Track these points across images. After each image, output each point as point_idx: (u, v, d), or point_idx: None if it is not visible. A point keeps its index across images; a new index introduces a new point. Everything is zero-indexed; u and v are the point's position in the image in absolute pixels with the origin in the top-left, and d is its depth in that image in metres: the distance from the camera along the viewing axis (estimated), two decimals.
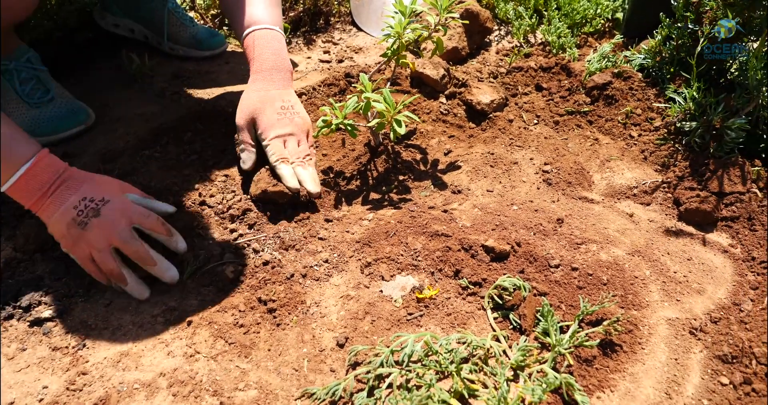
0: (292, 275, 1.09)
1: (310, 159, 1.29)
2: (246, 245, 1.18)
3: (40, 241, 1.21)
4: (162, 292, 1.11)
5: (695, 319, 1.01)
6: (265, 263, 1.13)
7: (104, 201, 1.00)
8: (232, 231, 1.22)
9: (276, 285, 1.08)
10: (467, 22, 1.64)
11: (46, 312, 1.07)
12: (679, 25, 1.40)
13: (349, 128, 1.25)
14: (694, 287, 1.07)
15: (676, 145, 1.31)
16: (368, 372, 0.88)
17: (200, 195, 1.30)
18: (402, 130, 1.17)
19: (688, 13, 1.37)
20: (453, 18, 1.24)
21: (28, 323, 1.05)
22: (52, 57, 1.63)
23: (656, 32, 1.49)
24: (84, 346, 1.00)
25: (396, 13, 1.30)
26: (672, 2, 1.41)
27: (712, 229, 1.19)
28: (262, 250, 1.16)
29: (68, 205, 0.99)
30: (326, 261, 1.11)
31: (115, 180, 1.08)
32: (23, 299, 1.10)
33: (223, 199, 1.29)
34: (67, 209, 0.99)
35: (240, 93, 1.62)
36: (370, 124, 1.22)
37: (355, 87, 1.59)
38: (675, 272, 1.09)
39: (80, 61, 1.72)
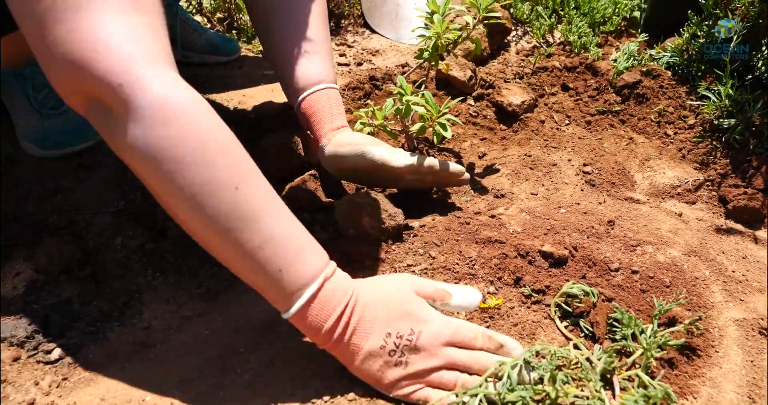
0: None
1: None
2: None
3: (64, 261, 1.13)
4: (204, 313, 1.06)
5: (762, 319, 0.99)
6: None
7: (416, 334, 0.78)
8: None
9: None
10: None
11: (80, 338, 1.00)
12: (707, 22, 1.40)
13: (389, 130, 1.21)
14: (755, 286, 1.05)
15: (714, 143, 1.30)
16: None
17: None
18: (448, 134, 1.14)
19: (718, 10, 1.36)
20: (496, 18, 1.20)
21: (61, 351, 0.99)
22: None
23: (683, 30, 1.48)
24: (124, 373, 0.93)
25: (429, 13, 1.26)
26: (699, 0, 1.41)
27: (761, 226, 1.18)
28: None
29: (370, 347, 0.77)
30: (377, 273, 1.07)
31: (404, 285, 0.83)
32: (53, 326, 1.03)
33: None
34: (372, 353, 0.77)
35: (260, 98, 1.57)
36: (413, 129, 1.18)
37: (380, 90, 1.55)
38: (733, 271, 1.07)
39: None
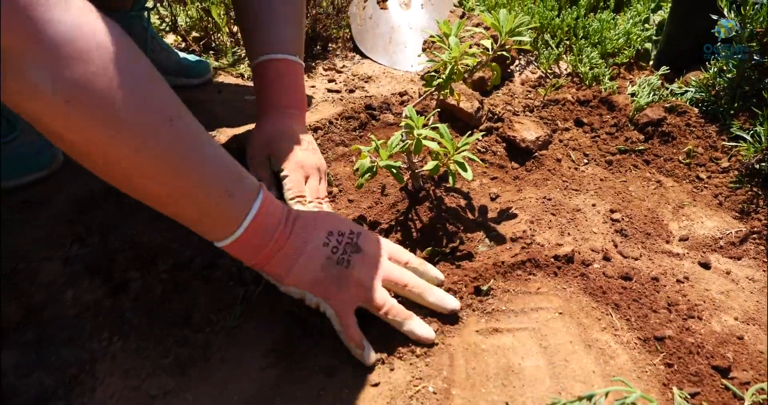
0: None
1: (329, 202, 1.13)
2: None
3: (1, 322, 0.93)
4: (172, 390, 0.86)
5: None
6: None
7: (355, 233, 0.84)
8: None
9: None
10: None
11: None
12: (738, 56, 1.28)
13: (395, 171, 1.04)
14: None
15: (755, 189, 1.17)
16: None
17: (206, 255, 1.06)
18: (469, 175, 0.97)
19: (753, 44, 1.25)
20: (522, 42, 1.06)
21: None
22: None
23: (708, 64, 1.37)
24: None
25: (439, 36, 1.12)
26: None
27: None
28: None
29: (314, 244, 0.81)
30: None
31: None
32: None
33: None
34: (315, 249, 0.81)
35: (240, 126, 1.40)
36: (425, 168, 1.02)
37: (377, 121, 1.38)
38: None
39: None
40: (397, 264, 0.88)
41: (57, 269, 1.04)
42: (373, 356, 0.82)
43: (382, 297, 0.83)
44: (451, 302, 0.89)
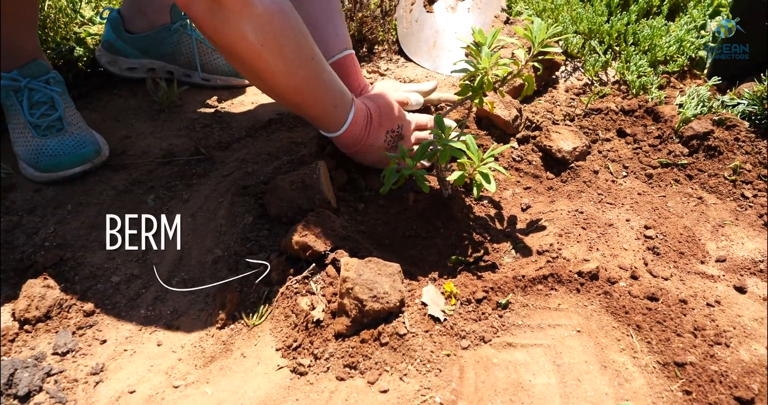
0: None
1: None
2: None
3: (47, 306, 1.00)
4: (197, 381, 0.90)
5: None
6: None
7: (400, 127, 1.22)
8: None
9: None
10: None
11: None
12: None
13: (420, 179, 1.05)
14: None
15: None
16: None
17: (242, 256, 1.10)
18: (492, 187, 0.97)
19: None
20: (553, 53, 1.04)
21: None
22: (68, 81, 1.44)
23: (763, 75, 1.30)
24: None
25: (474, 44, 1.11)
26: None
27: None
28: None
29: (380, 140, 1.19)
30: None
31: (392, 98, 1.24)
32: (19, 385, 0.89)
33: (267, 257, 1.08)
34: (380, 144, 1.19)
35: (290, 127, 1.44)
36: (450, 178, 1.02)
37: None
38: None
39: (100, 86, 1.53)
40: (421, 129, 1.29)
41: (100, 261, 1.11)
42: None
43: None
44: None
